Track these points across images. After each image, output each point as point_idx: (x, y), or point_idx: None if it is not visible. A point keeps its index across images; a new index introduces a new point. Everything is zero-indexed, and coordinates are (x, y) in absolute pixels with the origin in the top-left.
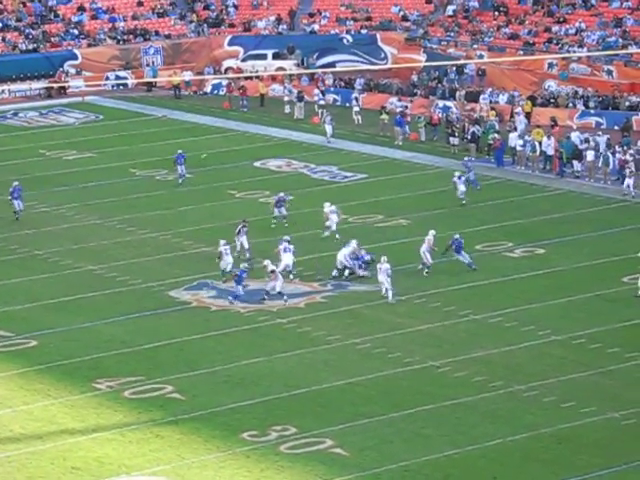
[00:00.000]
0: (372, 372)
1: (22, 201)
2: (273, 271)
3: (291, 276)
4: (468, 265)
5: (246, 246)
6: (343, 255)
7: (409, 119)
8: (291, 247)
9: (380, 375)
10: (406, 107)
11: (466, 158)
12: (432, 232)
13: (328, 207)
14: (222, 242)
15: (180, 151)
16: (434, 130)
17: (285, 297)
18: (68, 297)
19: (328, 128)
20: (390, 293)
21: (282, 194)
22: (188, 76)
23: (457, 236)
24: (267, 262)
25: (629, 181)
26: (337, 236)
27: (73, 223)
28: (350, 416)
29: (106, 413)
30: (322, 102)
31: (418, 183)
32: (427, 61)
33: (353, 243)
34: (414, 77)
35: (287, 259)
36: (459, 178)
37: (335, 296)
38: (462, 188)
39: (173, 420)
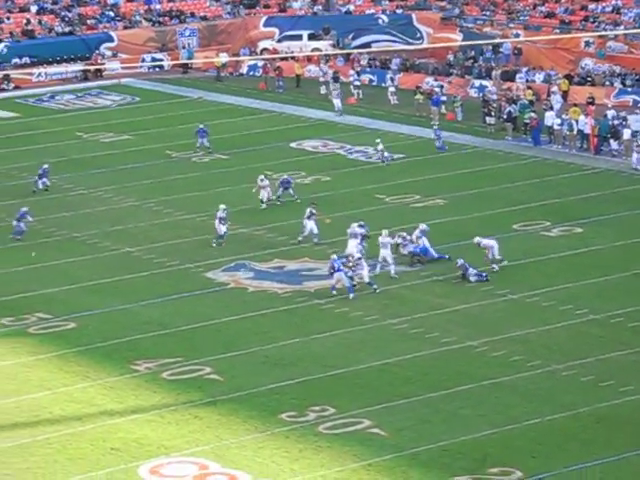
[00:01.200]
0: (410, 352)
1: (48, 180)
2: (360, 258)
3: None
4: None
5: (315, 231)
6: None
7: (445, 99)
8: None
9: (418, 355)
10: (442, 87)
11: (435, 127)
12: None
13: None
14: (222, 207)
15: (201, 125)
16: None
17: (375, 286)
18: (106, 279)
19: (336, 102)
20: (392, 268)
21: (286, 176)
22: (224, 57)
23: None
24: (352, 252)
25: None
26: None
27: (110, 205)
28: (388, 396)
29: (145, 394)
30: (357, 82)
31: (455, 163)
32: (463, 40)
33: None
34: (450, 57)
35: (351, 247)
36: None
37: (371, 277)
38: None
39: (211, 401)
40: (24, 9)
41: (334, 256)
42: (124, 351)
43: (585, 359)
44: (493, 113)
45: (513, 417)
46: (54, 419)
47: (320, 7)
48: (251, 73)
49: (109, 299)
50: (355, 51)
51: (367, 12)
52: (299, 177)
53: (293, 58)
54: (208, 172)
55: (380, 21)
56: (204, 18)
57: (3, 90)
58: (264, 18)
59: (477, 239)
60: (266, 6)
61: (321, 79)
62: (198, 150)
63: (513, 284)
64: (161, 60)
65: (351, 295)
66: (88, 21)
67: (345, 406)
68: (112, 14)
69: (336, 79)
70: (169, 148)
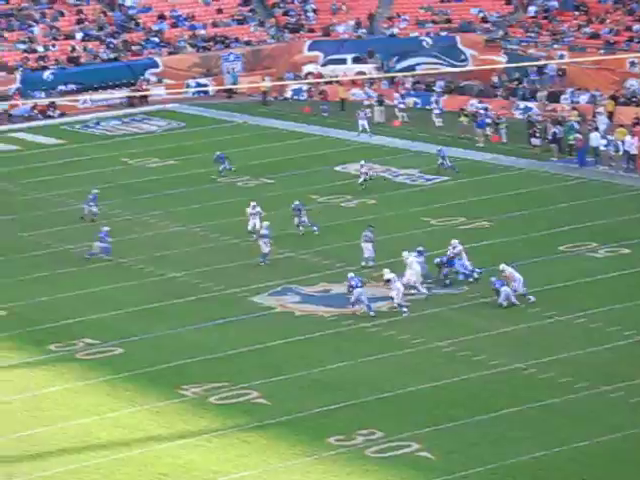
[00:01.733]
0: (457, 375)
1: (96, 206)
2: (388, 280)
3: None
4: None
5: (371, 255)
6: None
7: (490, 120)
8: (421, 259)
9: (465, 378)
10: (487, 109)
11: (440, 148)
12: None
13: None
14: (265, 224)
15: (218, 152)
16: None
17: (405, 310)
18: (153, 304)
19: (362, 123)
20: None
21: (297, 202)
22: (268, 82)
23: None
24: (385, 270)
25: None
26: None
27: (156, 230)
28: (436, 419)
29: (192, 419)
30: (402, 105)
31: (500, 184)
32: (508, 62)
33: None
34: (494, 78)
35: (410, 274)
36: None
37: (418, 300)
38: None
39: (259, 425)
40: (69, 36)
41: (351, 274)
42: (171, 376)
43: (633, 380)
44: (538, 134)
45: (562, 439)
46: (102, 444)
47: (364, 30)
48: (296, 97)
49: (156, 324)
50: (400, 74)
51: (411, 35)
52: (344, 201)
53: (337, 82)
54: (253, 196)
55: (424, 44)
56: (248, 43)
57: (49, 117)
58: (308, 42)
59: (503, 266)
60: (310, 30)
61: (365, 102)
62: (222, 175)
63: (560, 306)
64: (206, 85)
65: (371, 313)
66: (133, 47)
67: (393, 429)
68: (157, 40)
69: (381, 102)
70: (214, 173)
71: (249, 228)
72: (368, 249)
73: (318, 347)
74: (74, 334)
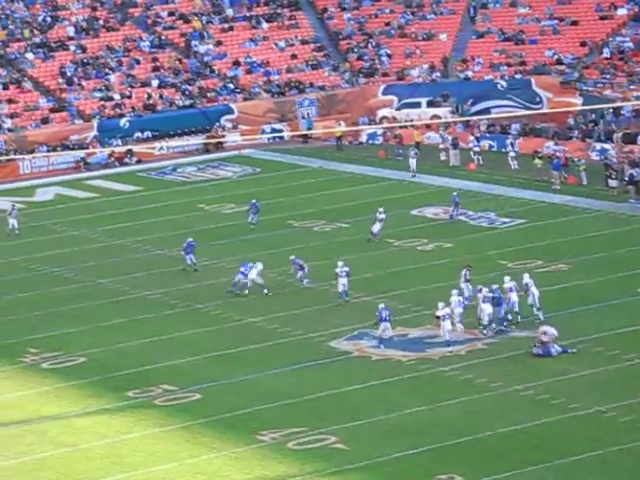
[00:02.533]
0: (536, 419)
1: (193, 255)
2: (438, 317)
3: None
4: None
5: (467, 293)
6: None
7: (567, 163)
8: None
9: (545, 422)
10: (564, 151)
11: (455, 193)
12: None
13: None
14: (340, 264)
15: (254, 200)
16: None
17: (450, 347)
18: (230, 350)
19: (412, 162)
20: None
21: (294, 257)
22: (342, 126)
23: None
24: (440, 304)
25: None
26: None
27: (233, 276)
28: (516, 463)
29: (270, 465)
30: (477, 148)
31: (577, 227)
32: (583, 104)
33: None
34: (570, 120)
35: (487, 309)
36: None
37: (496, 343)
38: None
39: (337, 470)
40: (145, 84)
41: (382, 305)
42: (249, 421)
43: None
44: (615, 176)
45: None
46: None
47: (438, 74)
48: (370, 141)
49: (234, 370)
50: (475, 117)
51: (486, 78)
52: (421, 244)
53: (412, 126)
54: (329, 241)
55: (499, 86)
56: (322, 88)
57: (126, 164)
58: (383, 86)
59: (542, 329)
60: (384, 74)
61: (441, 146)
62: (252, 225)
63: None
64: (281, 131)
65: (381, 346)
66: (208, 94)
67: (472, 474)
68: (232, 86)
69: (455, 145)
70: (291, 218)
71: (339, 290)
72: (468, 288)
73: (396, 391)
74: (152, 380)
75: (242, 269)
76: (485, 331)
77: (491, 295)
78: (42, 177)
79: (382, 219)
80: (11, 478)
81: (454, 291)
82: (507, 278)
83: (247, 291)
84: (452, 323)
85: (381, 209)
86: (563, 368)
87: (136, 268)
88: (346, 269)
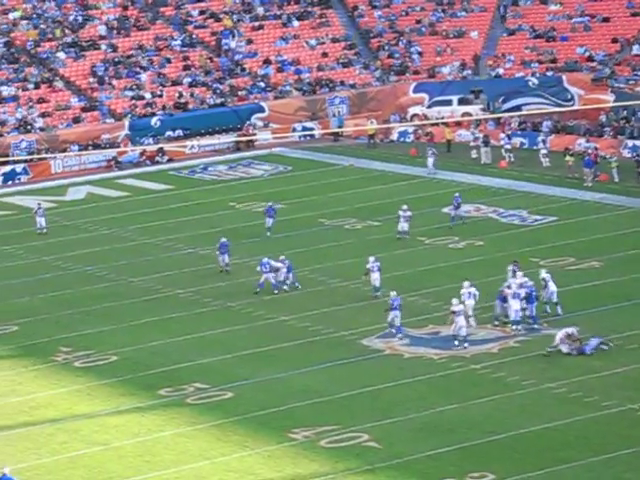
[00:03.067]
0: (569, 416)
1: (229, 256)
2: (453, 312)
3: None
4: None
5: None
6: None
7: (598, 160)
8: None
9: (577, 419)
10: (595, 148)
11: (457, 194)
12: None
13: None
14: (371, 259)
15: (270, 203)
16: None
17: (465, 344)
18: (262, 348)
19: (429, 161)
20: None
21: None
22: (373, 124)
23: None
24: (454, 301)
25: None
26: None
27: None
28: (548, 462)
29: (303, 463)
30: (508, 146)
31: (610, 224)
32: (615, 101)
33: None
34: (602, 117)
35: (514, 305)
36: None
37: (528, 340)
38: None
39: (370, 469)
40: (176, 82)
41: (393, 293)
42: (281, 419)
43: None
44: None
45: None
46: None
47: (469, 71)
48: (401, 139)
49: (265, 368)
50: (506, 115)
51: (517, 75)
52: (452, 242)
53: (444, 123)
54: (361, 239)
55: (530, 83)
56: (353, 86)
57: (157, 163)
58: (413, 84)
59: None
60: (415, 72)
61: (472, 143)
62: (266, 231)
63: None
64: (312, 129)
65: (399, 335)
66: (239, 92)
67: (505, 472)
68: (263, 85)
69: (487, 143)
70: (322, 216)
71: (375, 285)
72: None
73: (428, 389)
74: (184, 379)
75: (263, 268)
76: (514, 327)
77: (522, 291)
78: (74, 176)
79: (408, 217)
80: (44, 476)
81: (465, 283)
82: (543, 270)
83: (286, 286)
84: (466, 318)
85: (405, 207)
86: (596, 365)
87: (167, 267)
88: (377, 264)
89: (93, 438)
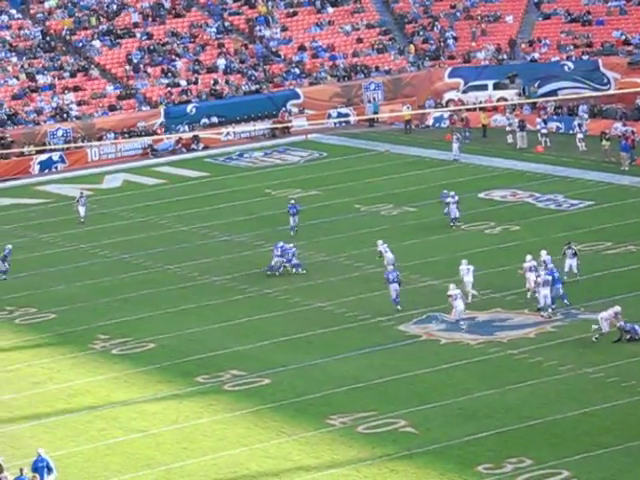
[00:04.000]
0: (607, 401)
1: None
2: (450, 296)
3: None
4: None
5: (575, 270)
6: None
7: (635, 144)
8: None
9: (616, 404)
10: (632, 132)
11: (445, 190)
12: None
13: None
14: (379, 242)
15: (292, 201)
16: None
17: (462, 323)
18: (298, 334)
19: (454, 147)
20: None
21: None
22: (407, 109)
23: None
24: (451, 285)
25: None
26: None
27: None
28: (586, 446)
29: (340, 449)
30: (544, 130)
31: None
32: None
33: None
34: (638, 101)
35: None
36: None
37: (566, 325)
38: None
39: (407, 454)
40: (211, 69)
41: (390, 267)
42: (319, 406)
43: None
44: None
45: None
46: (251, 475)
47: (505, 56)
48: (437, 125)
49: (302, 354)
50: (542, 99)
51: (553, 59)
52: (488, 227)
53: (480, 108)
54: (397, 225)
55: (566, 68)
56: (388, 72)
57: (193, 150)
58: (449, 69)
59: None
60: (450, 57)
61: (508, 128)
62: (290, 230)
63: None
64: (347, 115)
65: (398, 307)
66: (274, 79)
67: (542, 457)
68: (298, 71)
69: (522, 128)
70: (358, 202)
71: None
72: (570, 264)
73: (465, 375)
74: (221, 365)
75: (276, 252)
76: (544, 313)
77: (549, 277)
78: (110, 164)
79: (456, 201)
80: (83, 463)
81: (463, 261)
82: (544, 252)
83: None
84: (466, 295)
85: (451, 193)
86: (634, 350)
87: (204, 254)
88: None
89: (131, 425)
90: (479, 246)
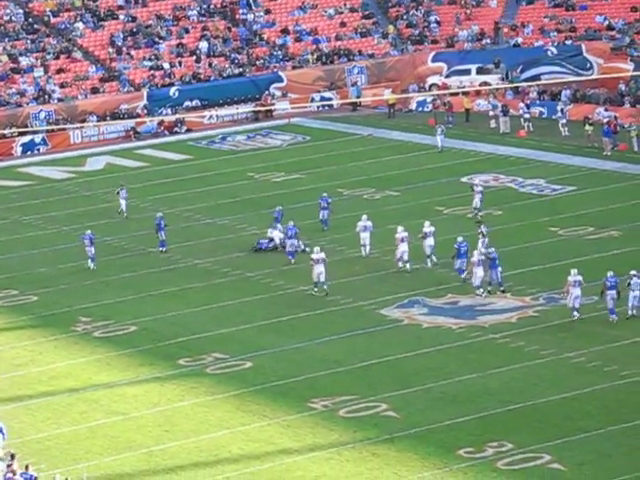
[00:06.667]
0: (588, 386)
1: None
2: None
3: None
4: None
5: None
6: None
7: (617, 129)
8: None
9: (597, 389)
10: (615, 117)
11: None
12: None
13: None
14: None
15: (325, 194)
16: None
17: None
18: (281, 318)
19: (438, 139)
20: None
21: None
22: (389, 94)
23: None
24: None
25: None
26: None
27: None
28: (567, 431)
29: (322, 432)
30: (527, 115)
31: (629, 193)
32: (634, 70)
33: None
34: (621, 86)
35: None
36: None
37: (547, 310)
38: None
39: (389, 438)
40: (194, 52)
41: (317, 248)
42: (300, 389)
43: None
44: None
45: None
46: (233, 458)
47: (488, 41)
48: (420, 109)
49: (284, 338)
50: (524, 84)
51: (536, 44)
52: (470, 212)
53: (463, 93)
54: (379, 209)
55: (549, 53)
56: (372, 56)
57: (176, 133)
58: (432, 54)
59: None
60: (434, 41)
61: (491, 113)
62: (324, 227)
63: None
64: (330, 99)
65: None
66: (257, 62)
67: (524, 441)
68: (281, 55)
69: (505, 112)
70: (340, 186)
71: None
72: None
73: (446, 359)
74: (203, 349)
75: (289, 232)
76: (479, 292)
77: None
78: (92, 146)
79: (480, 191)
80: (64, 446)
81: (426, 223)
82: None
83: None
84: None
85: (477, 180)
86: (615, 335)
87: (186, 237)
88: (432, 229)
89: (112, 408)
90: (461, 231)
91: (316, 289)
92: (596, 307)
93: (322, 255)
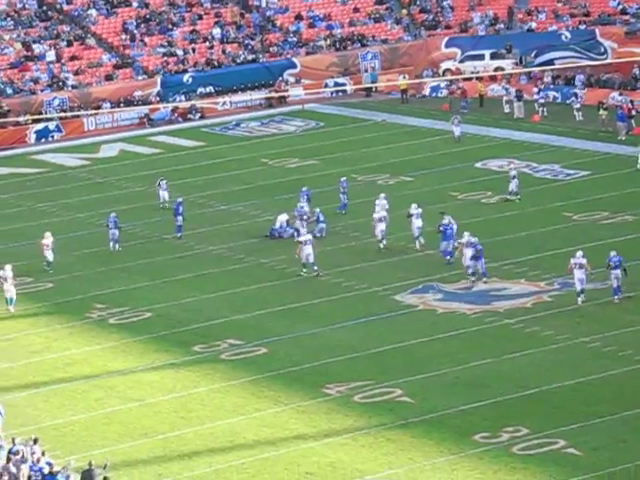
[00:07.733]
0: (603, 371)
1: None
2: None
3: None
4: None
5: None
6: None
7: (632, 113)
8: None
9: (611, 374)
10: (631, 101)
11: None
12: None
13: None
14: (414, 205)
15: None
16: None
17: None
18: (296, 304)
19: (455, 129)
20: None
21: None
22: (402, 79)
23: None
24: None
25: None
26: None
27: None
28: (582, 416)
29: (337, 418)
30: (542, 100)
31: None
32: None
33: None
34: (635, 70)
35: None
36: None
37: (562, 295)
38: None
39: (404, 424)
40: (208, 39)
41: (303, 230)
42: (315, 375)
43: None
44: None
45: None
46: (248, 444)
47: (502, 26)
48: (434, 94)
49: (299, 324)
50: (538, 69)
51: (550, 29)
52: (485, 197)
53: (477, 78)
54: (394, 194)
55: (563, 37)
56: (385, 41)
57: (189, 120)
58: (445, 39)
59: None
60: (447, 27)
61: (505, 98)
62: (342, 210)
63: None
64: (344, 84)
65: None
66: (271, 48)
67: (539, 426)
68: (294, 40)
69: (519, 97)
70: (354, 172)
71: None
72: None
73: (461, 344)
74: (218, 335)
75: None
76: (469, 272)
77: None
78: (106, 133)
79: (515, 175)
80: (80, 432)
81: (413, 205)
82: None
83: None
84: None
85: (512, 165)
86: (630, 320)
87: (201, 223)
88: (420, 210)
89: (128, 394)
90: (476, 216)
91: (305, 269)
92: (610, 292)
93: (309, 237)
